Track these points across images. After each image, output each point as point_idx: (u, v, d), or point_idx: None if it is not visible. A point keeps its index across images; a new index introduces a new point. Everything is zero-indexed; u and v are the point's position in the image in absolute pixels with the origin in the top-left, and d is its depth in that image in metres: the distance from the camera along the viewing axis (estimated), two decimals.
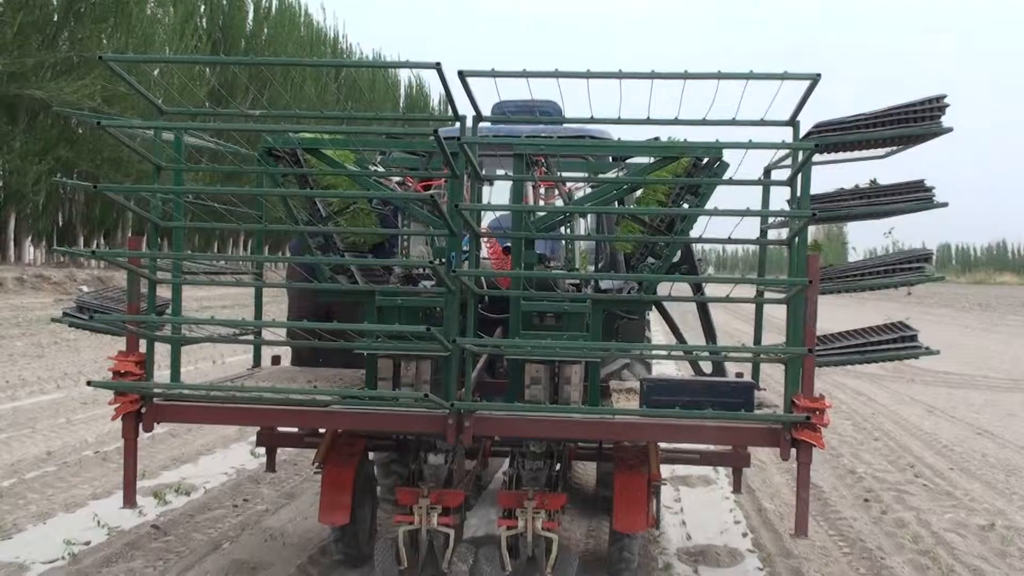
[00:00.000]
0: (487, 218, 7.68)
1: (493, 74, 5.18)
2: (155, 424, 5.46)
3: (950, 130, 5.36)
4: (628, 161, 6.66)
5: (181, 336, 5.85)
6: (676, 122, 5.35)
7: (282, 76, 40.47)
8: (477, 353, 5.63)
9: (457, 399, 5.13)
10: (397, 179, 6.59)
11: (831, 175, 6.03)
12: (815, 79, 5.11)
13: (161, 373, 5.77)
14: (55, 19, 38.81)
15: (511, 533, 5.53)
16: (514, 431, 5.51)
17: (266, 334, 6.55)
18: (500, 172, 6.15)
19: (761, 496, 8.84)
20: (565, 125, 6.92)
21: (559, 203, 6.71)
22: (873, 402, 15.52)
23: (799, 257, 5.26)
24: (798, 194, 5.43)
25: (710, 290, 6.99)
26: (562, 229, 6.24)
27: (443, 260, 5.45)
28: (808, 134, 5.53)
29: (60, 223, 44.16)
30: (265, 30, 56.22)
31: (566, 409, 5.34)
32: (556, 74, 5.26)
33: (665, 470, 7.88)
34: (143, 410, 5.40)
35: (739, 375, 6.71)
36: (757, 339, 6.57)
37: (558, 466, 6.10)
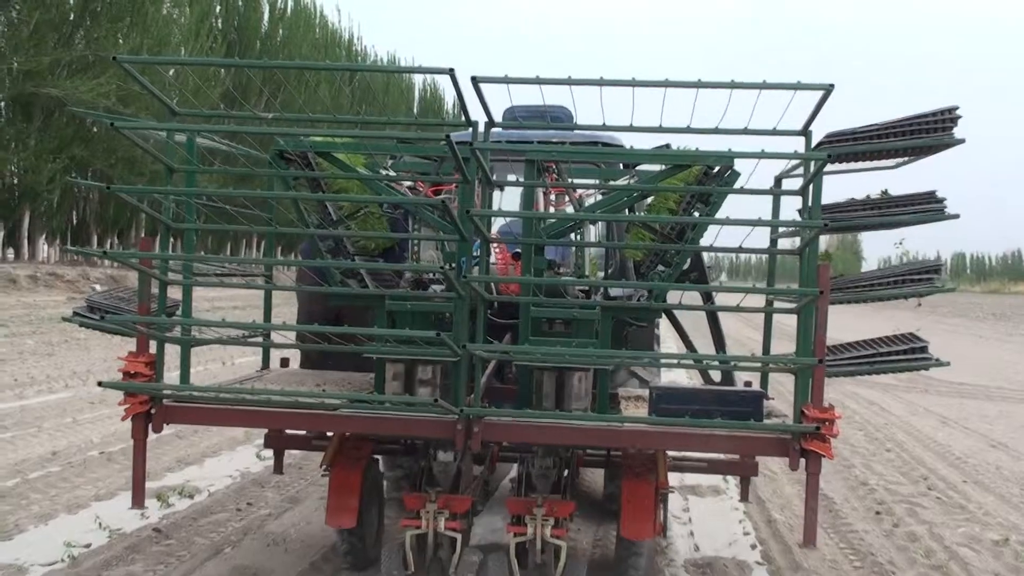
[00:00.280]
0: (497, 224, 7.69)
1: (506, 80, 5.19)
2: (164, 425, 5.47)
3: (962, 141, 5.35)
4: (639, 168, 6.66)
5: (191, 338, 5.87)
6: (688, 130, 5.35)
7: (296, 78, 40.43)
8: (486, 359, 5.63)
9: (466, 404, 5.14)
10: (408, 184, 6.60)
11: (843, 185, 6.02)
12: (828, 89, 5.11)
13: (171, 375, 5.78)
14: (71, 18, 38.94)
15: (520, 540, 5.53)
16: (523, 437, 5.51)
17: (275, 337, 6.56)
18: (511, 178, 6.16)
19: (771, 507, 8.77)
20: (576, 131, 6.92)
21: (569, 210, 6.72)
22: (886, 412, 15.43)
23: (810, 267, 5.25)
24: (809, 204, 5.42)
25: (720, 298, 6.98)
26: (572, 236, 6.24)
27: (453, 265, 5.46)
28: (820, 144, 5.53)
29: (74, 222, 44.30)
30: (280, 31, 56.34)
31: (575, 416, 5.33)
32: (569, 81, 5.26)
33: (674, 479, 7.85)
34: (153, 411, 5.42)
35: (747, 384, 6.70)
36: (766, 348, 6.56)
37: (566, 473, 6.10)
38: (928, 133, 5.33)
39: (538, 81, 5.26)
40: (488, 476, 7.26)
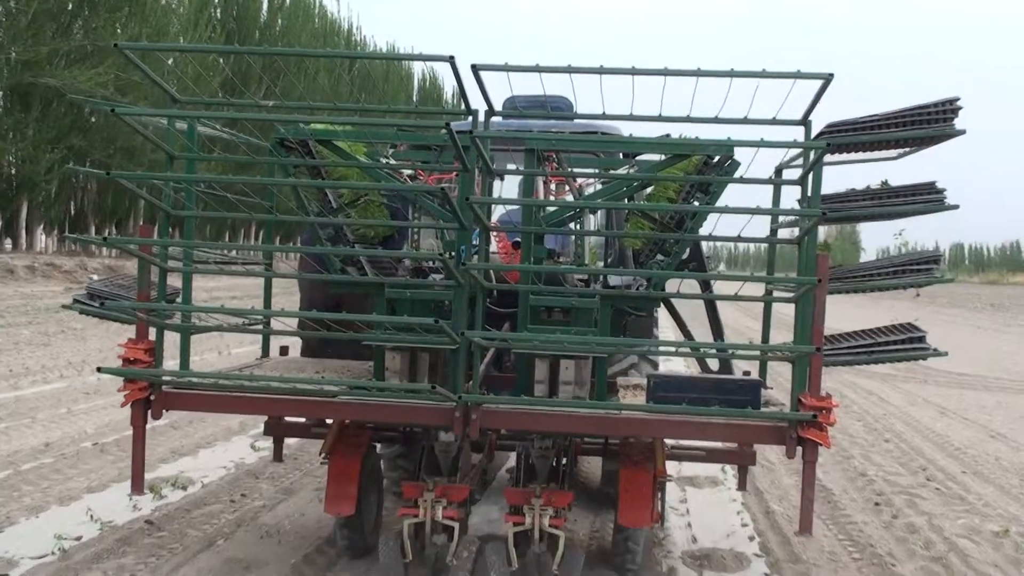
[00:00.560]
0: (497, 212, 7.69)
1: (506, 68, 5.19)
2: (164, 412, 5.49)
3: (963, 132, 5.36)
4: (639, 158, 6.67)
5: (191, 324, 5.88)
6: (688, 120, 5.36)
7: (296, 66, 40.41)
8: (485, 347, 5.64)
9: (465, 392, 5.16)
10: (408, 172, 6.61)
11: (843, 175, 6.03)
12: (828, 79, 5.11)
13: (170, 363, 5.77)
14: (69, 7, 38.86)
15: (518, 529, 5.55)
16: (520, 424, 5.53)
17: (275, 324, 6.57)
18: (511, 167, 6.16)
19: (769, 498, 8.75)
20: (576, 121, 6.92)
21: (569, 198, 6.72)
22: (885, 402, 15.43)
23: (808, 256, 5.26)
24: (809, 194, 5.43)
25: (719, 287, 6.98)
26: (572, 225, 6.25)
27: (453, 253, 5.47)
28: (820, 134, 5.53)
29: (72, 212, 44.25)
30: (279, 21, 56.20)
31: (573, 404, 5.35)
32: (569, 69, 5.27)
33: (671, 471, 7.85)
34: (152, 397, 5.44)
35: (746, 373, 6.72)
36: (765, 337, 6.57)
37: (564, 462, 6.12)
38: (929, 124, 5.34)
39: (538, 69, 5.26)
40: (487, 465, 7.27)
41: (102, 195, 43.93)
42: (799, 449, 5.12)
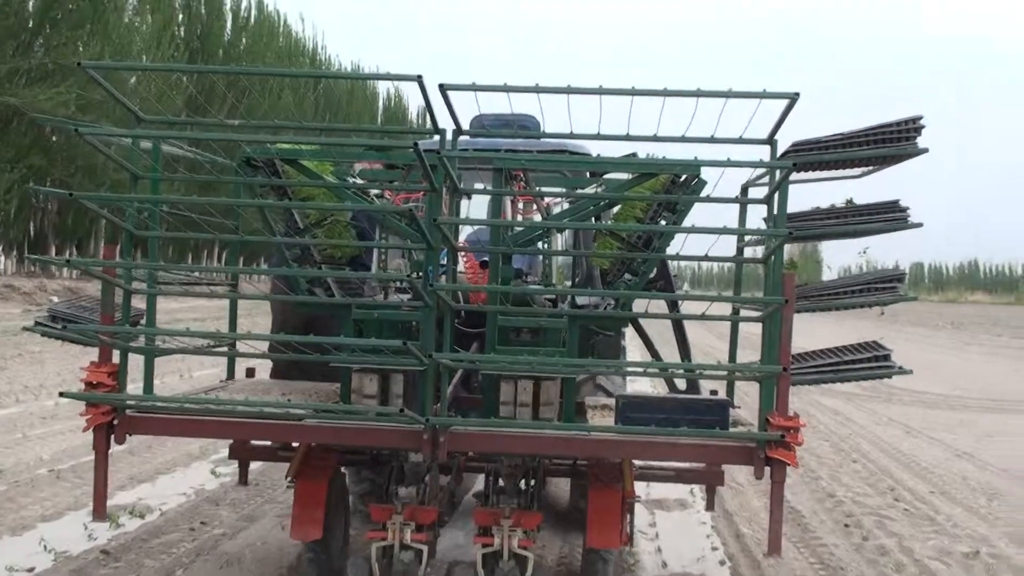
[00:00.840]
0: (464, 232, 7.68)
1: (474, 88, 5.19)
2: (127, 436, 5.40)
3: (926, 151, 5.42)
4: (606, 177, 6.69)
5: (155, 347, 5.80)
6: (655, 139, 5.38)
7: (260, 85, 40.32)
8: (453, 368, 5.61)
9: (433, 414, 5.12)
10: (375, 192, 6.57)
11: (807, 194, 6.08)
12: (793, 98, 5.15)
13: (132, 387, 5.68)
14: (30, 25, 38.51)
15: (487, 551, 5.50)
16: (489, 447, 5.50)
17: (240, 346, 6.50)
18: (479, 186, 6.16)
19: (739, 520, 8.71)
20: (544, 140, 6.93)
21: (537, 218, 6.72)
22: (850, 422, 15.51)
23: (775, 275, 5.28)
24: (775, 212, 5.46)
25: (686, 307, 7.00)
26: (539, 244, 6.24)
27: (420, 274, 5.44)
28: (786, 153, 5.57)
29: (32, 233, 43.73)
30: (243, 40, 56.01)
31: (541, 425, 5.32)
32: (536, 89, 5.27)
33: (640, 491, 7.82)
34: (115, 422, 5.35)
35: (714, 392, 6.73)
36: (732, 356, 6.59)
37: (533, 483, 6.09)
38: (892, 142, 5.39)
39: (506, 89, 5.27)
40: (455, 487, 7.22)
41: (62, 216, 43.45)
42: (767, 469, 5.12)
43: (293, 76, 35.07)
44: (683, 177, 5.57)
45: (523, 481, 5.92)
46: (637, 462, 6.32)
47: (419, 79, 4.66)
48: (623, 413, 5.25)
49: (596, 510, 5.70)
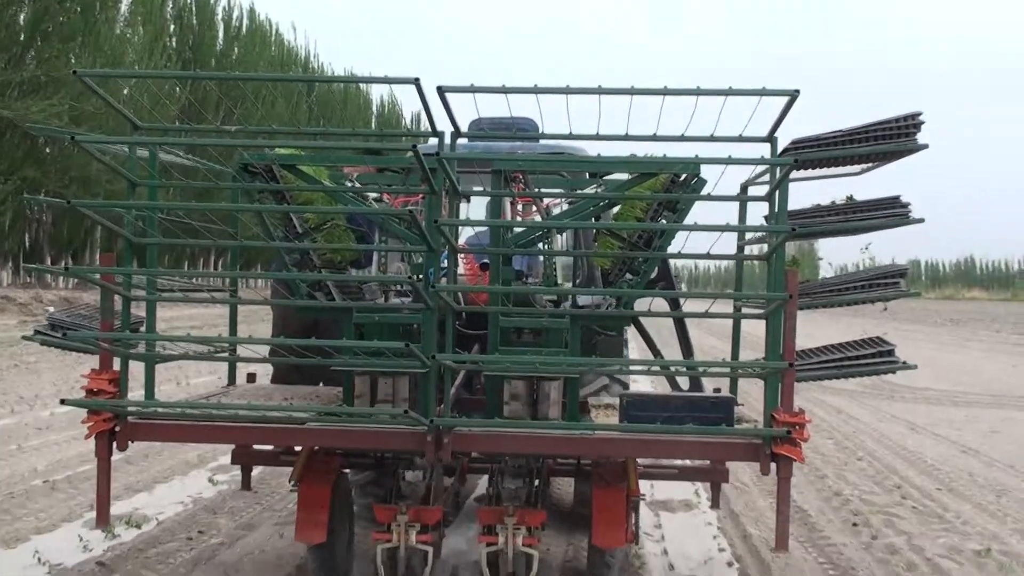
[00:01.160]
0: (464, 234, 7.68)
1: (472, 89, 5.19)
2: (129, 443, 5.39)
3: (926, 147, 5.41)
4: (606, 177, 6.68)
5: (155, 354, 5.78)
6: (655, 138, 5.38)
7: (254, 93, 40.25)
8: (455, 369, 5.61)
9: (436, 415, 5.11)
10: (374, 195, 6.57)
11: (808, 191, 6.07)
12: (793, 95, 5.15)
13: (133, 394, 5.65)
14: (22, 38, 38.50)
15: (491, 550, 5.49)
16: (493, 447, 5.50)
17: (241, 351, 6.48)
18: (478, 188, 6.15)
19: (746, 521, 8.58)
20: (543, 141, 6.92)
21: (537, 219, 6.72)
22: (854, 420, 15.41)
23: (777, 272, 5.28)
24: (776, 210, 5.45)
25: (688, 306, 7.00)
26: (540, 245, 6.24)
27: (421, 276, 5.44)
28: (786, 150, 5.57)
29: (27, 244, 43.66)
30: (236, 49, 55.97)
31: (545, 425, 5.32)
32: (535, 90, 5.27)
33: (644, 490, 7.77)
34: (117, 429, 5.33)
35: (716, 390, 6.72)
36: (735, 354, 6.58)
37: (537, 482, 6.08)
38: (892, 139, 5.39)
39: (504, 90, 5.26)
40: (459, 488, 7.21)
41: (57, 226, 43.39)
42: (773, 466, 5.12)
43: (290, 81, 35.06)
44: (683, 176, 5.57)
45: (527, 480, 5.91)
46: (641, 460, 6.31)
47: (416, 81, 4.66)
48: (627, 411, 5.25)
49: (601, 509, 5.69)
